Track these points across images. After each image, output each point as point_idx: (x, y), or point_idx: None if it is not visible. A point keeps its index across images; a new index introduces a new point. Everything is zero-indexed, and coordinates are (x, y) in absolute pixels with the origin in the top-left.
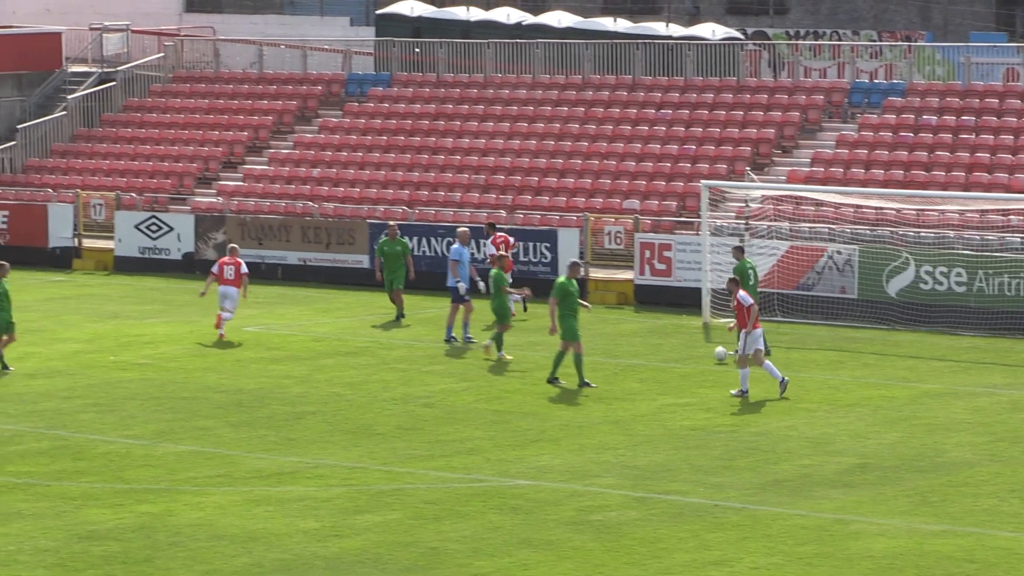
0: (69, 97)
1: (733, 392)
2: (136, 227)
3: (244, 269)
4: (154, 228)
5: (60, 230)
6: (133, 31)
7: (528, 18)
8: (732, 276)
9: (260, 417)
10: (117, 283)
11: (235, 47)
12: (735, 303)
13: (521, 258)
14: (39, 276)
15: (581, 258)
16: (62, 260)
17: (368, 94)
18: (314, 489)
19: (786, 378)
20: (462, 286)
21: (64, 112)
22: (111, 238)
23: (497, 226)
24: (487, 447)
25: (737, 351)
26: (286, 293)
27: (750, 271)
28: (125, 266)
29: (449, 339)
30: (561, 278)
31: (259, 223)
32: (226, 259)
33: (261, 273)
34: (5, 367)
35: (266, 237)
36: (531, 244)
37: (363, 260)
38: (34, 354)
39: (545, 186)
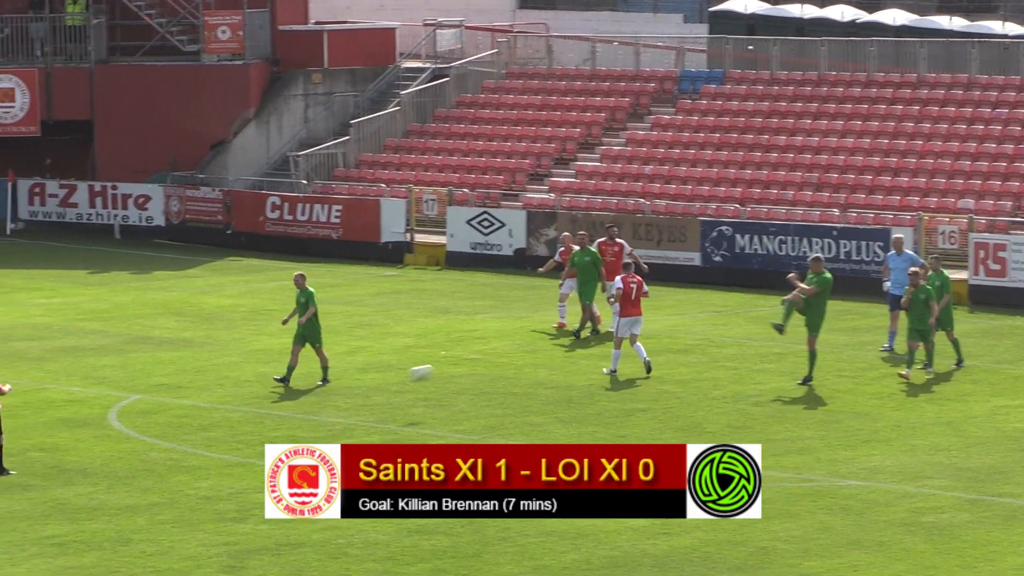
0: (402, 93)
1: (605, 370)
2: (468, 223)
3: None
4: (486, 224)
5: (392, 225)
6: (466, 27)
7: (863, 16)
8: (627, 259)
9: (590, 414)
10: (448, 278)
11: (568, 44)
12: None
13: (853, 257)
14: (371, 271)
15: None
16: (394, 255)
17: (701, 91)
18: None
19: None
20: (886, 284)
21: (397, 108)
22: (443, 233)
23: (613, 232)
24: (818, 447)
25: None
26: None
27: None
28: (456, 261)
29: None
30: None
31: (590, 220)
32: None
33: None
34: (324, 380)
35: (597, 234)
36: (863, 243)
37: (694, 257)
38: (366, 348)
39: (878, 185)
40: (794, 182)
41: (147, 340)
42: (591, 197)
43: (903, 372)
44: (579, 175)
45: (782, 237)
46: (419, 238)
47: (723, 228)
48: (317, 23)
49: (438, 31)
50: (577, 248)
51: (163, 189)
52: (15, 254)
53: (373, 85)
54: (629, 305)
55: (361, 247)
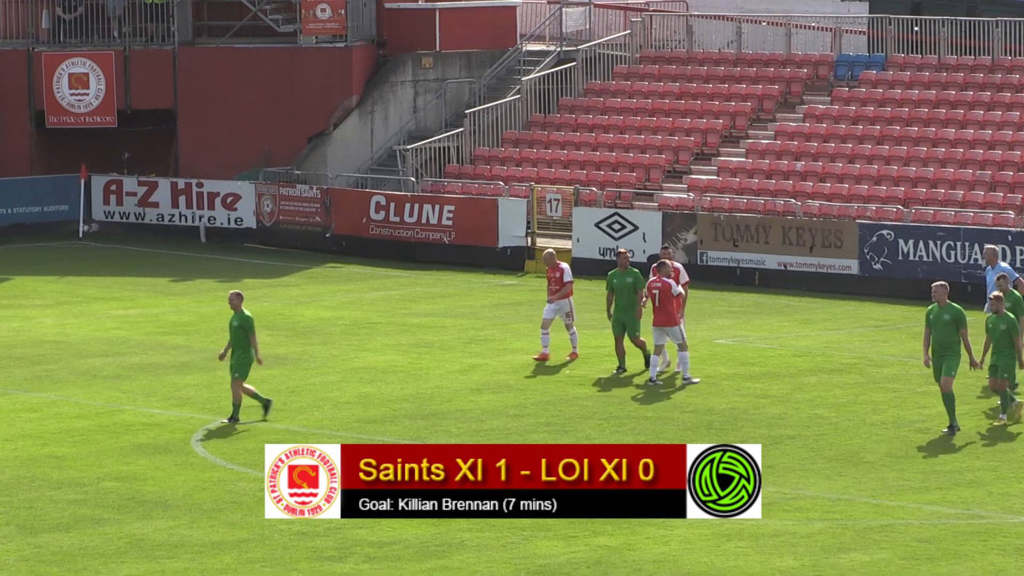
0: (523, 79)
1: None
2: (596, 225)
3: (568, 277)
4: (616, 227)
5: (511, 228)
6: (596, 5)
7: None
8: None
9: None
10: (574, 288)
11: (710, 24)
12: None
13: None
14: (487, 279)
15: None
16: (513, 261)
17: (860, 78)
18: (792, 523)
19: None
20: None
21: (517, 96)
22: (568, 237)
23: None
24: (989, 479)
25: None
26: (763, 301)
27: None
28: (583, 268)
29: None
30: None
31: (734, 222)
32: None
33: (735, 278)
34: (265, 410)
35: (742, 238)
36: None
37: (851, 265)
38: (480, 366)
39: None
40: (964, 180)
41: None
42: (735, 197)
43: (996, 422)
44: (721, 172)
45: (951, 242)
46: (541, 242)
47: (884, 232)
48: (428, 0)
49: (564, 10)
50: (616, 269)
51: (254, 187)
52: (89, 259)
53: (491, 70)
54: (656, 312)
55: (476, 252)
